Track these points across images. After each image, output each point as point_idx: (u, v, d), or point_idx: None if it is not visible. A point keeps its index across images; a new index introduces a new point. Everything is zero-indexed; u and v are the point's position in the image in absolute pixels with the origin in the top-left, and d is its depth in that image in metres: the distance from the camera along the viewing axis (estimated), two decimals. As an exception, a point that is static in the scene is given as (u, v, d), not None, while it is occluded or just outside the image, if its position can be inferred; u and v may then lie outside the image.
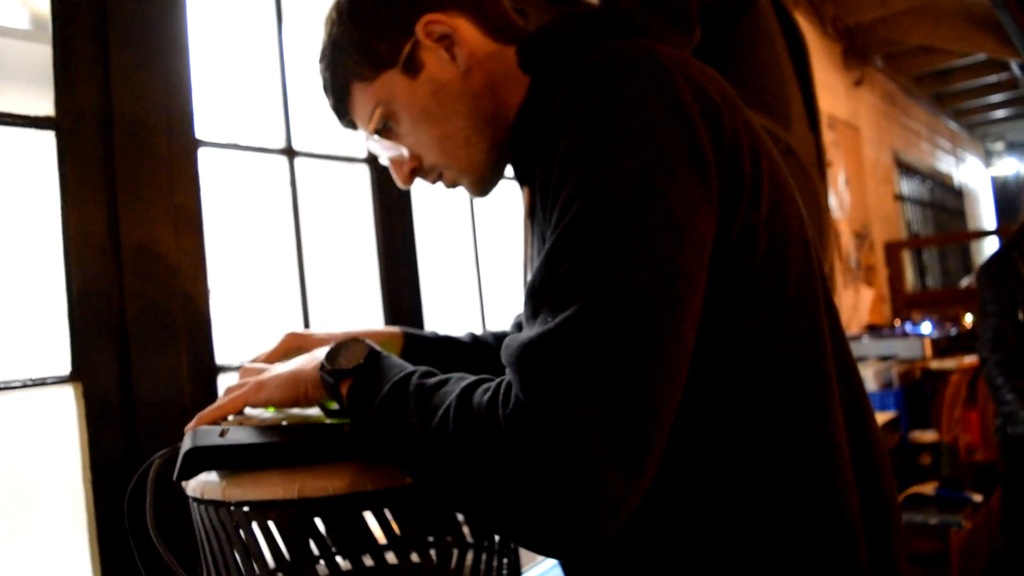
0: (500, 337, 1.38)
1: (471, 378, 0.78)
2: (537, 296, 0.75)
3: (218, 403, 0.96)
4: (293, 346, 1.22)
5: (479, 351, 1.36)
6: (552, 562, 1.67)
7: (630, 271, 0.71)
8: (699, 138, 0.79)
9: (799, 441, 0.85)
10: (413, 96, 1.02)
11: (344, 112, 1.10)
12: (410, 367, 0.85)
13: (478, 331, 1.40)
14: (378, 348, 0.90)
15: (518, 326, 1.38)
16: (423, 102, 1.02)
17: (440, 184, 1.11)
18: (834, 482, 0.86)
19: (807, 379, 0.88)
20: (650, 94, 0.80)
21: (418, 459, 0.77)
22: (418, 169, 1.09)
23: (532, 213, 0.99)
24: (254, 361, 1.23)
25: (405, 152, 1.07)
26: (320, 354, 0.92)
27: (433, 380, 0.80)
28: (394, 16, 1.01)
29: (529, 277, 0.94)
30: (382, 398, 0.81)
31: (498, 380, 0.74)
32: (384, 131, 1.06)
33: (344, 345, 0.90)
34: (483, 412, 0.71)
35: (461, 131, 1.03)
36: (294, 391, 0.93)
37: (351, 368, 0.87)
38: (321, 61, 1.09)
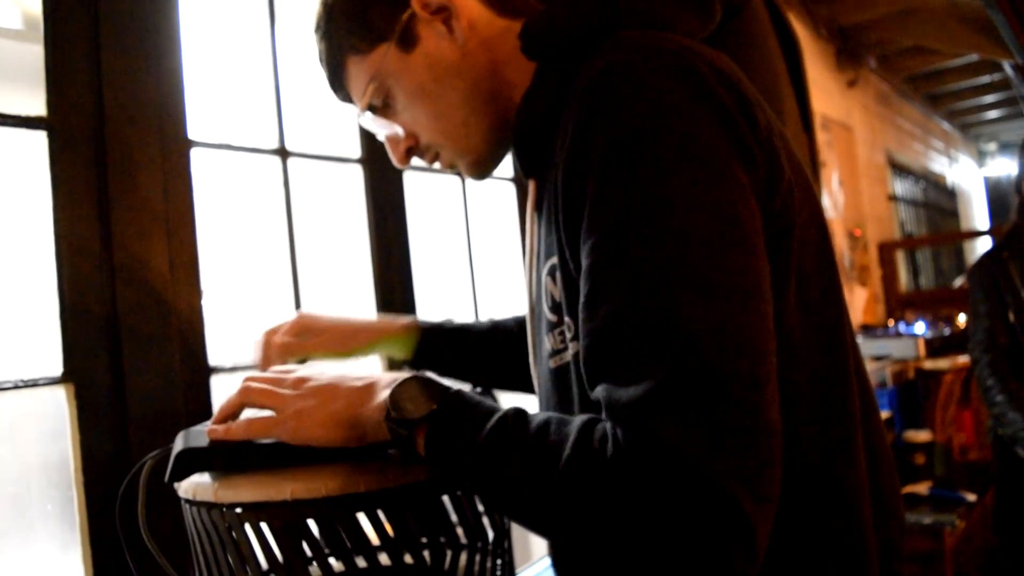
0: (521, 322, 1.37)
1: (576, 423, 0.74)
2: (615, 347, 0.72)
3: (246, 426, 0.88)
4: (303, 326, 1.22)
5: (498, 338, 1.34)
6: (544, 564, 1.67)
7: (714, 310, 0.70)
8: (744, 136, 0.77)
9: (816, 456, 0.84)
10: (409, 71, 0.98)
11: (339, 86, 1.07)
12: (497, 407, 0.80)
13: (498, 316, 1.40)
14: (445, 384, 0.84)
15: (517, 323, 1.37)
16: (419, 78, 0.98)
17: (437, 164, 1.07)
18: (850, 497, 0.85)
19: (829, 388, 0.86)
20: (687, 97, 0.76)
21: (533, 507, 0.75)
22: (414, 148, 1.05)
23: (538, 206, 0.97)
24: (268, 334, 1.23)
25: (401, 131, 1.04)
26: (377, 392, 0.86)
27: (535, 426, 0.76)
28: None
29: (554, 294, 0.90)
30: (477, 450, 0.77)
31: (611, 430, 0.71)
32: (380, 108, 1.03)
33: (407, 386, 0.83)
34: (613, 467, 0.69)
35: (458, 110, 0.99)
36: (345, 435, 0.86)
37: (427, 415, 0.81)
38: (316, 31, 1.05)
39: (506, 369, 1.33)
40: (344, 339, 1.28)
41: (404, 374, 0.85)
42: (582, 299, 0.77)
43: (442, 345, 1.32)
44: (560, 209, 0.82)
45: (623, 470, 0.68)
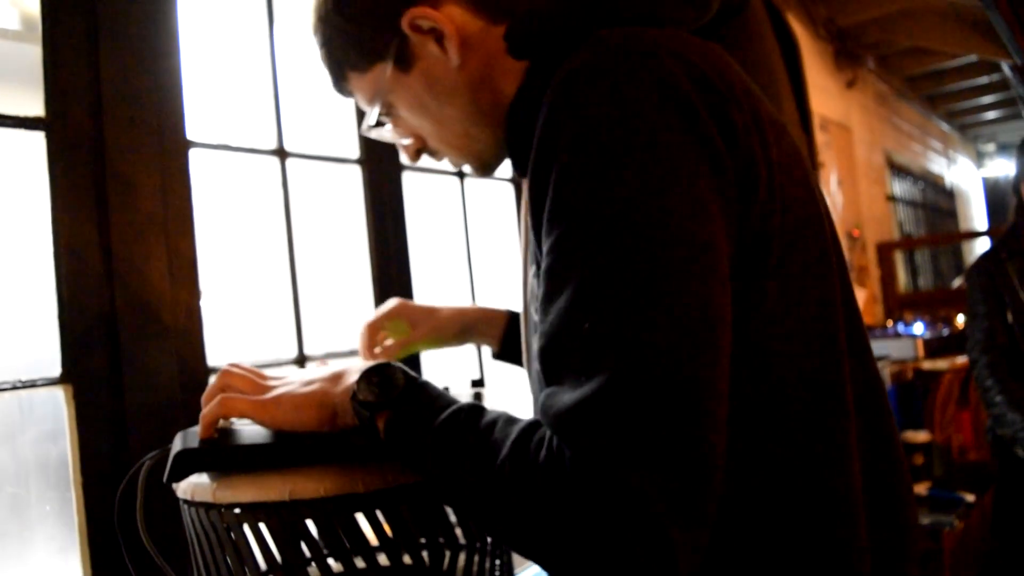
0: None
1: (520, 425, 0.74)
2: (561, 351, 0.71)
3: (217, 404, 0.88)
4: (398, 312, 1.28)
5: None
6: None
7: (661, 320, 0.68)
8: (711, 139, 0.75)
9: (802, 464, 0.81)
10: (407, 89, 0.99)
11: (343, 90, 1.07)
12: (456, 400, 0.81)
13: None
14: (412, 374, 0.86)
15: None
16: (418, 96, 0.99)
17: (447, 162, 1.10)
18: (839, 505, 0.82)
19: (817, 395, 0.83)
20: (652, 100, 0.74)
21: (472, 503, 0.76)
22: (423, 149, 1.07)
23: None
24: (371, 324, 1.29)
25: (406, 140, 1.06)
26: (348, 376, 0.88)
27: (484, 422, 0.77)
28: (377, 10, 0.97)
29: (531, 304, 0.92)
30: (429, 438, 0.79)
31: (548, 436, 0.70)
32: (385, 115, 1.04)
33: (374, 371, 0.85)
34: (542, 473, 0.69)
35: (459, 123, 1.00)
36: (318, 415, 0.88)
37: (389, 400, 0.83)
38: (315, 34, 1.04)
39: None
40: (441, 325, 1.33)
41: (376, 362, 0.87)
42: (538, 301, 0.77)
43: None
44: (530, 212, 0.82)
45: (552, 478, 0.68)
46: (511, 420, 0.76)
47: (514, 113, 0.94)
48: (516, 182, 2.36)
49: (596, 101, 0.75)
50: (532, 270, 0.92)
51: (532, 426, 0.73)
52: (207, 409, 0.89)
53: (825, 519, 0.81)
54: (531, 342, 0.98)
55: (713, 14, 0.94)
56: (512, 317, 1.36)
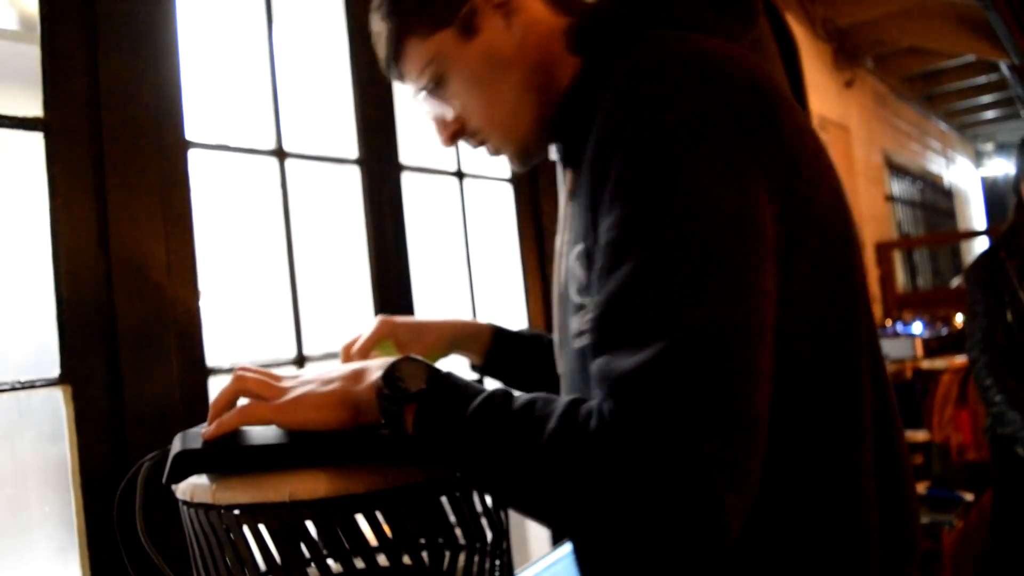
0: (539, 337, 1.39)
1: (561, 401, 0.76)
2: (621, 318, 0.75)
3: (237, 414, 0.88)
4: (386, 334, 1.23)
5: (535, 348, 1.36)
6: (542, 564, 1.67)
7: (716, 292, 0.73)
8: (764, 140, 0.81)
9: (819, 461, 0.85)
10: (466, 59, 1.01)
11: (394, 65, 1.08)
12: (482, 388, 0.83)
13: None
14: (436, 367, 0.86)
15: (534, 335, 1.38)
16: (475, 66, 1.01)
17: (483, 150, 1.10)
18: (855, 505, 0.86)
19: (838, 393, 0.87)
20: (712, 96, 0.80)
21: (517, 483, 0.77)
22: (461, 132, 1.08)
23: (574, 195, 1.01)
24: (352, 347, 1.23)
25: (450, 113, 1.06)
26: (369, 373, 0.88)
27: (520, 403, 0.78)
28: None
29: (580, 280, 0.94)
30: (463, 425, 0.79)
31: (597, 405, 0.73)
32: (433, 90, 1.05)
33: (398, 366, 0.85)
34: (595, 442, 0.71)
35: (509, 100, 1.02)
36: (339, 414, 0.87)
37: (415, 393, 0.83)
38: (377, 11, 1.07)
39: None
40: (431, 343, 1.30)
41: (396, 357, 0.87)
42: (595, 275, 0.80)
43: (514, 352, 1.34)
44: (587, 193, 0.86)
45: (606, 443, 0.70)
46: (550, 399, 0.78)
47: (569, 104, 0.98)
48: (515, 182, 2.36)
49: (661, 94, 0.81)
50: (576, 251, 0.94)
51: (576, 401, 0.76)
52: (227, 417, 0.88)
53: (839, 513, 0.85)
54: (568, 322, 1.00)
55: (757, 28, 1.00)
56: (497, 332, 1.35)
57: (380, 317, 1.25)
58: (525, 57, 1.01)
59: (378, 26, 1.07)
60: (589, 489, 0.71)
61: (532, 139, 1.06)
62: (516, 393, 0.81)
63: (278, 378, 0.93)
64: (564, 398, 0.77)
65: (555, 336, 1.09)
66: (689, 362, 0.70)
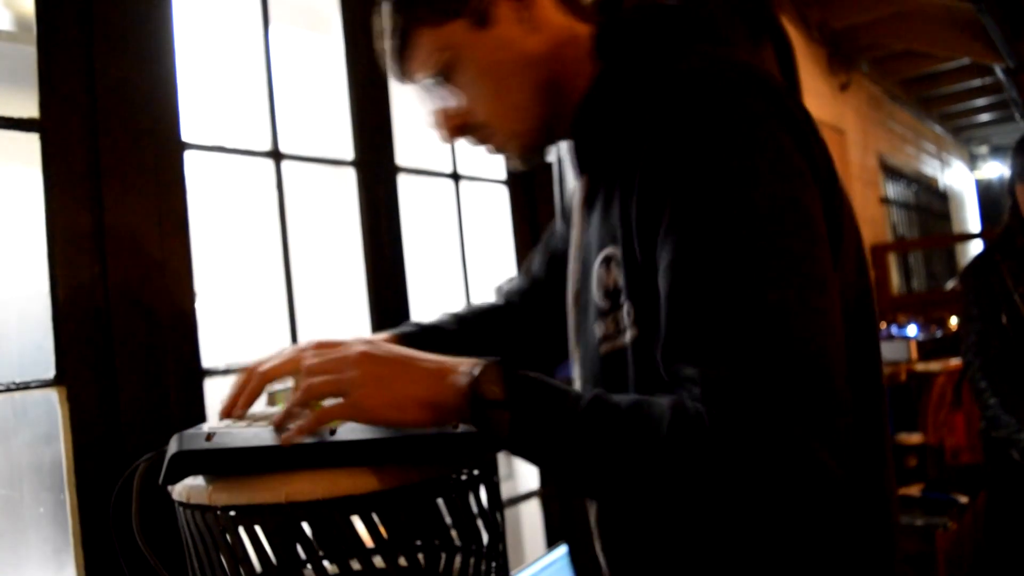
0: (480, 313, 1.38)
1: (664, 400, 0.79)
2: (711, 324, 0.78)
3: (316, 416, 0.85)
4: (291, 369, 1.06)
5: (467, 331, 1.35)
6: (538, 566, 1.67)
7: (799, 293, 0.77)
8: (811, 148, 0.85)
9: (858, 457, 0.89)
10: (478, 49, 1.01)
11: (402, 57, 1.06)
12: (576, 391, 0.83)
13: (456, 310, 1.40)
14: (521, 370, 0.85)
15: (459, 320, 1.36)
16: (487, 57, 1.01)
17: (484, 148, 1.10)
18: (883, 496, 0.94)
19: (866, 389, 0.93)
20: (764, 108, 0.83)
21: (633, 479, 0.79)
22: (465, 126, 1.07)
23: (588, 201, 1.02)
24: (257, 368, 1.05)
25: (455, 106, 1.06)
26: (453, 375, 0.85)
27: (625, 403, 0.80)
28: None
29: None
30: (575, 426, 0.80)
31: (703, 406, 0.76)
32: (440, 82, 1.04)
33: (487, 370, 0.84)
34: (715, 438, 0.75)
35: (518, 94, 1.03)
36: (423, 416, 0.85)
37: (510, 398, 0.82)
38: (388, 1, 1.06)
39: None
40: None
41: (478, 359, 0.86)
42: (667, 289, 0.82)
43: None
44: (634, 204, 0.87)
45: (720, 440, 0.74)
46: (650, 400, 0.80)
47: (588, 106, 0.99)
48: (511, 184, 2.36)
49: (713, 106, 0.83)
50: (602, 255, 0.96)
51: (680, 400, 0.78)
52: (307, 423, 0.85)
53: (874, 508, 0.93)
54: (589, 326, 1.01)
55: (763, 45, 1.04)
56: (406, 337, 1.30)
57: (295, 347, 1.06)
58: (538, 53, 1.01)
59: (387, 16, 1.06)
60: (712, 481, 0.75)
61: (537, 137, 1.06)
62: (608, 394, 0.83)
63: (342, 354, 0.88)
64: (665, 398, 0.79)
65: (571, 340, 1.09)
66: (783, 362, 0.75)
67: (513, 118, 1.04)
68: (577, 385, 1.09)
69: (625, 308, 0.91)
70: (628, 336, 0.92)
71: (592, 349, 1.00)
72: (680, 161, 0.82)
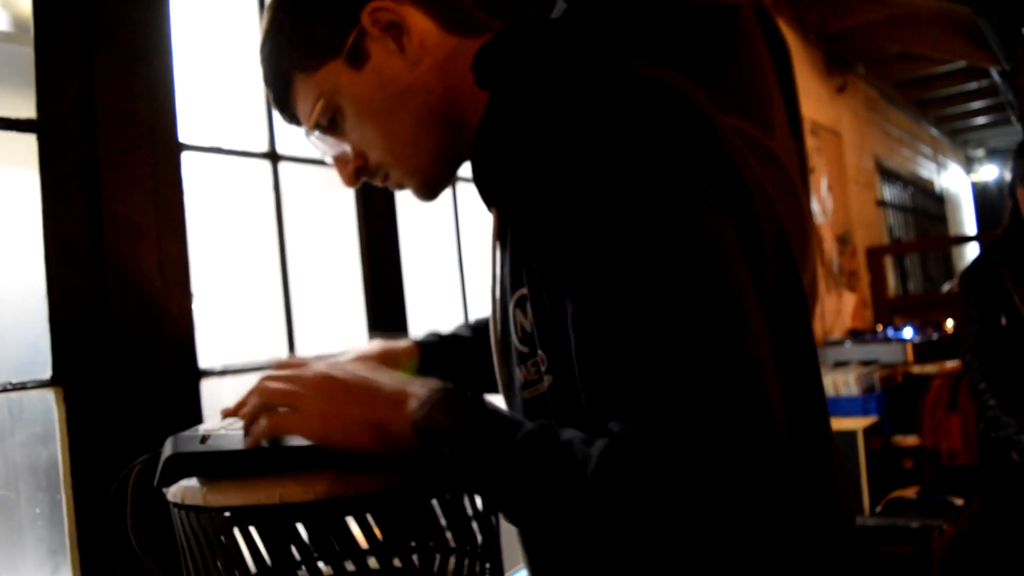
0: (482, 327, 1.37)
1: (599, 442, 0.74)
2: (624, 377, 0.73)
3: (268, 426, 0.85)
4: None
5: (481, 342, 1.35)
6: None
7: (716, 336, 0.71)
8: (712, 166, 0.78)
9: (801, 466, 0.85)
10: (358, 89, 0.96)
11: (286, 105, 1.03)
12: (522, 421, 0.80)
13: (469, 320, 1.40)
14: (472, 396, 0.83)
15: (473, 329, 1.36)
16: (368, 95, 0.96)
17: (387, 185, 1.05)
18: (835, 512, 0.89)
19: (804, 405, 0.88)
20: (658, 131, 0.76)
21: (558, 518, 0.76)
22: (363, 169, 1.03)
23: (500, 235, 0.95)
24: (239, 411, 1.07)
25: (349, 150, 1.01)
26: (405, 402, 0.83)
27: (563, 438, 0.76)
28: (338, 2, 0.95)
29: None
30: (509, 458, 0.77)
31: (634, 452, 0.71)
32: (327, 127, 1.00)
33: (434, 397, 0.82)
34: (637, 486, 0.71)
35: (408, 129, 0.97)
36: (373, 443, 0.83)
37: (455, 426, 0.80)
38: (261, 50, 1.02)
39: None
40: None
41: (429, 384, 0.84)
42: (575, 342, 0.77)
43: (442, 361, 1.32)
44: (532, 250, 0.81)
45: (644, 483, 0.70)
46: (587, 438, 0.76)
47: (482, 139, 0.92)
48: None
49: (601, 136, 0.76)
50: (515, 297, 0.89)
51: (612, 444, 0.73)
52: (257, 429, 0.86)
53: (825, 514, 0.89)
54: (512, 371, 0.95)
55: (667, 38, 0.94)
56: (422, 347, 1.30)
57: (281, 358, 1.11)
58: (423, 82, 0.95)
59: (263, 66, 1.03)
60: (638, 523, 0.71)
61: (436, 168, 1.01)
62: (554, 425, 0.79)
63: (302, 378, 0.88)
64: (600, 440, 0.74)
65: (499, 382, 1.02)
66: (706, 414, 0.69)
67: (406, 155, 0.99)
68: None
69: (539, 355, 0.86)
70: (546, 383, 0.86)
71: (517, 394, 0.94)
72: (567, 201, 0.76)
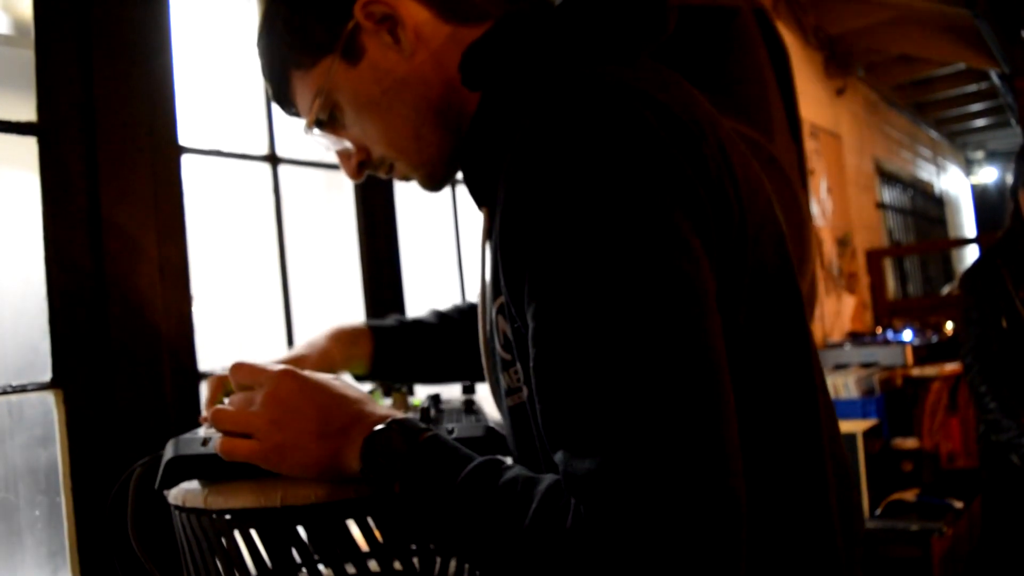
0: (464, 311, 1.37)
1: (541, 487, 0.72)
2: (572, 409, 0.70)
3: (223, 449, 0.85)
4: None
5: (446, 330, 1.35)
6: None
7: (669, 372, 0.67)
8: (688, 181, 0.74)
9: (787, 483, 0.83)
10: (355, 84, 0.94)
11: (286, 100, 1.03)
12: (472, 456, 0.79)
13: (440, 307, 1.39)
14: (420, 428, 0.82)
15: (459, 312, 1.37)
16: (366, 90, 0.94)
17: (392, 177, 1.04)
18: (822, 516, 0.85)
19: (796, 413, 0.86)
20: (628, 148, 0.73)
21: (495, 564, 0.74)
22: (367, 162, 1.02)
23: (490, 236, 0.93)
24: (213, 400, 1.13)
25: (350, 145, 1.01)
26: (354, 438, 0.83)
27: (503, 481, 0.75)
28: None
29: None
30: (448, 499, 0.76)
31: (573, 503, 0.68)
32: (327, 122, 1.00)
33: (382, 435, 0.81)
34: (573, 542, 0.67)
35: (409, 122, 0.95)
36: (325, 476, 0.85)
37: (400, 467, 0.79)
38: (257, 45, 1.01)
39: (459, 361, 1.34)
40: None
41: (382, 416, 0.84)
42: (532, 362, 0.75)
43: (398, 350, 1.32)
44: (500, 261, 0.80)
45: (582, 543, 0.67)
46: (530, 479, 0.74)
47: (471, 140, 0.91)
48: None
49: (568, 151, 0.73)
50: (497, 304, 0.87)
51: (556, 486, 0.72)
52: (217, 446, 0.86)
53: (812, 529, 0.84)
54: (498, 376, 0.93)
55: (670, 32, 0.92)
56: (376, 331, 1.30)
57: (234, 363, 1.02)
58: (420, 73, 0.93)
59: (260, 61, 1.02)
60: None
61: (439, 160, 0.99)
62: (503, 465, 0.78)
63: (256, 397, 0.88)
64: (545, 481, 0.73)
65: (488, 387, 1.00)
66: (649, 455, 0.65)
67: (409, 148, 0.97)
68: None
69: (517, 365, 0.85)
70: (525, 392, 0.85)
71: (502, 400, 0.93)
72: (530, 219, 0.74)
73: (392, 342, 1.32)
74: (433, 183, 1.03)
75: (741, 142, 0.88)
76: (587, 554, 0.66)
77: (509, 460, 0.83)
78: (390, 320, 1.35)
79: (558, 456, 0.71)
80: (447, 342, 1.34)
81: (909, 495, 3.12)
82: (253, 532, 0.83)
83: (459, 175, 0.99)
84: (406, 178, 1.03)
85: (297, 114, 1.04)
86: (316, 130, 1.00)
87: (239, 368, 0.92)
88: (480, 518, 0.74)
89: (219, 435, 0.90)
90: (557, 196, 0.72)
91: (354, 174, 1.03)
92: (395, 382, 1.35)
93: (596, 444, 0.67)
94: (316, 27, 0.94)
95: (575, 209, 0.72)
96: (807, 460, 0.86)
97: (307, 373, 0.90)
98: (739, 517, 0.66)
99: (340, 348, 1.27)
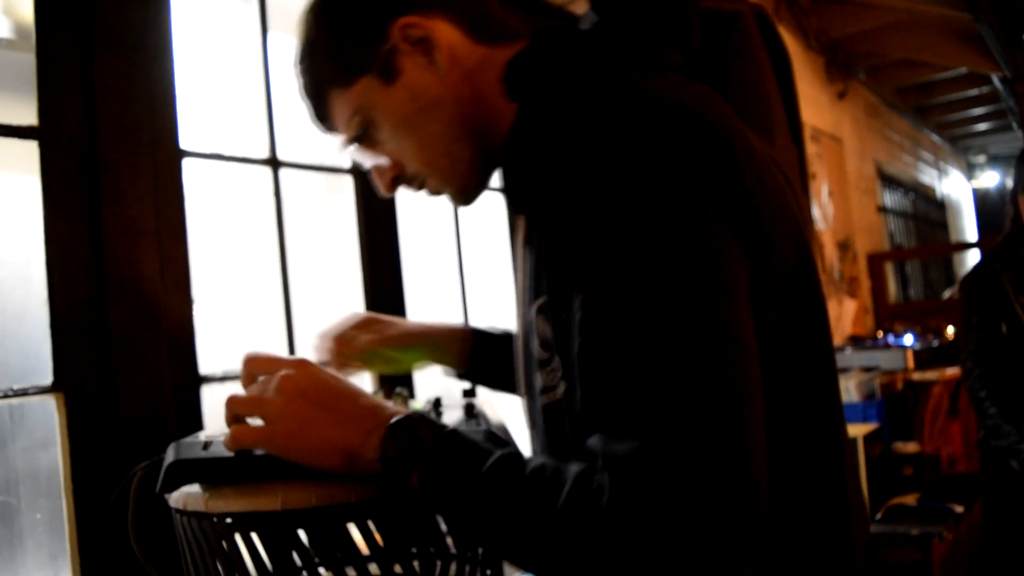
0: None
1: (572, 470, 0.74)
2: (613, 394, 0.73)
3: (232, 437, 0.86)
4: (364, 322, 1.28)
5: None
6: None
7: (706, 365, 0.71)
8: (726, 191, 0.78)
9: (815, 481, 0.87)
10: (391, 103, 0.98)
11: (323, 117, 1.06)
12: (493, 449, 0.80)
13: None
14: (440, 424, 0.83)
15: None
16: (401, 109, 0.98)
17: (424, 192, 1.07)
18: (842, 515, 0.89)
19: (821, 413, 0.89)
20: (671, 156, 0.77)
21: (526, 551, 0.76)
22: (400, 177, 1.05)
23: (528, 242, 0.97)
24: (336, 337, 1.28)
25: (386, 160, 1.04)
26: (372, 428, 0.83)
27: (529, 469, 0.76)
28: (368, 19, 0.97)
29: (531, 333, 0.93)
30: (472, 490, 0.77)
31: (607, 482, 0.71)
32: (364, 139, 1.03)
33: (401, 426, 0.82)
34: (607, 521, 0.70)
35: (442, 139, 0.99)
36: (336, 463, 0.84)
37: (420, 458, 0.80)
38: (298, 65, 1.05)
39: None
40: (403, 338, 1.31)
41: (398, 411, 0.85)
42: (576, 350, 0.78)
43: (495, 354, 1.33)
44: (545, 259, 0.85)
45: (616, 522, 0.69)
46: (559, 467, 0.76)
47: (511, 149, 0.94)
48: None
49: (614, 159, 0.77)
50: (536, 304, 0.91)
51: (587, 471, 0.73)
52: (225, 439, 0.87)
53: (833, 529, 0.88)
54: (532, 376, 0.96)
55: (695, 49, 0.95)
56: (478, 336, 1.34)
57: (355, 312, 1.23)
58: (454, 93, 0.97)
59: (299, 80, 1.05)
60: (600, 565, 0.70)
61: (472, 177, 1.03)
62: (524, 456, 0.79)
63: (272, 384, 0.88)
64: (574, 467, 0.75)
65: (519, 387, 1.04)
66: (683, 442, 0.69)
67: (442, 164, 1.01)
68: (526, 433, 1.05)
69: (556, 361, 0.88)
70: (561, 389, 0.88)
71: (535, 400, 0.96)
72: (581, 216, 0.77)
73: (492, 346, 1.34)
74: (464, 197, 1.06)
75: (762, 150, 0.90)
76: (624, 532, 0.69)
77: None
78: (494, 328, 1.37)
79: (594, 440, 0.74)
80: None
81: (909, 499, 3.12)
82: (254, 535, 0.83)
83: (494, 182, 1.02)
84: (438, 193, 1.06)
85: (335, 131, 1.07)
86: (354, 146, 1.04)
87: (253, 359, 0.93)
88: (511, 502, 0.75)
89: (221, 439, 0.90)
90: (604, 199, 0.77)
91: (388, 189, 1.07)
92: (488, 387, 1.37)
93: (637, 426, 0.70)
94: (355, 48, 0.98)
95: (621, 209, 0.76)
96: (829, 456, 0.89)
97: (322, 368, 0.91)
98: (762, 503, 0.70)
99: (441, 330, 1.34)
